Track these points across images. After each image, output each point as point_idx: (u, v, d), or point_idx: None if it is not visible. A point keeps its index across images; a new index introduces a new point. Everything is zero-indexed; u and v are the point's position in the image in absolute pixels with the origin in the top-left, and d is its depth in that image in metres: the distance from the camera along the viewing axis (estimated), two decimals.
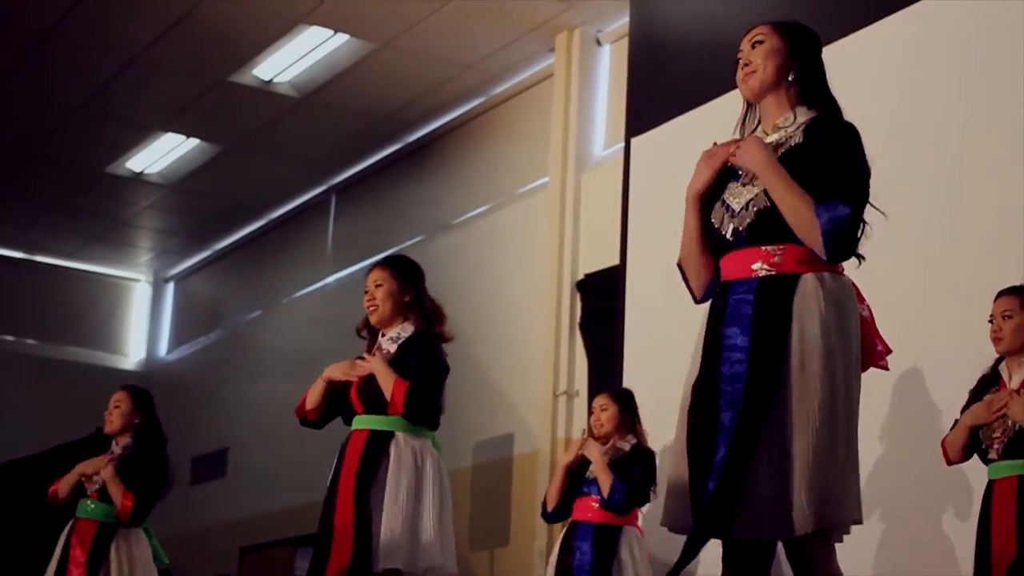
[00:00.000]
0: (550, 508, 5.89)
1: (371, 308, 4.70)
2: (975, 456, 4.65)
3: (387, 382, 4.54)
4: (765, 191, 3.15)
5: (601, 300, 8.24)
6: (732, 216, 3.19)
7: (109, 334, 14.36)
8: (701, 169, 3.28)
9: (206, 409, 13.01)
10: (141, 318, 14.52)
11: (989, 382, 4.67)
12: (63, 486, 5.85)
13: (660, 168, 7.22)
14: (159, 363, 14.34)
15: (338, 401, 4.72)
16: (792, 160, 3.16)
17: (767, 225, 3.13)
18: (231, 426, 12.58)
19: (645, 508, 5.89)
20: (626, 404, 5.89)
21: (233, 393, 12.81)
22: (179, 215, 12.79)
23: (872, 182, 3.17)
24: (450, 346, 4.75)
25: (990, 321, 4.66)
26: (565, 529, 5.87)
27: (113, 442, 5.89)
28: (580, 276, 8.68)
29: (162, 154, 11.33)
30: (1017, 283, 4.73)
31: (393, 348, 4.66)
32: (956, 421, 4.70)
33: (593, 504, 5.73)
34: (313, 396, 4.74)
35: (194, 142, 11.10)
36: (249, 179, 11.81)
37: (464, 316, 7.37)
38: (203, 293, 14.15)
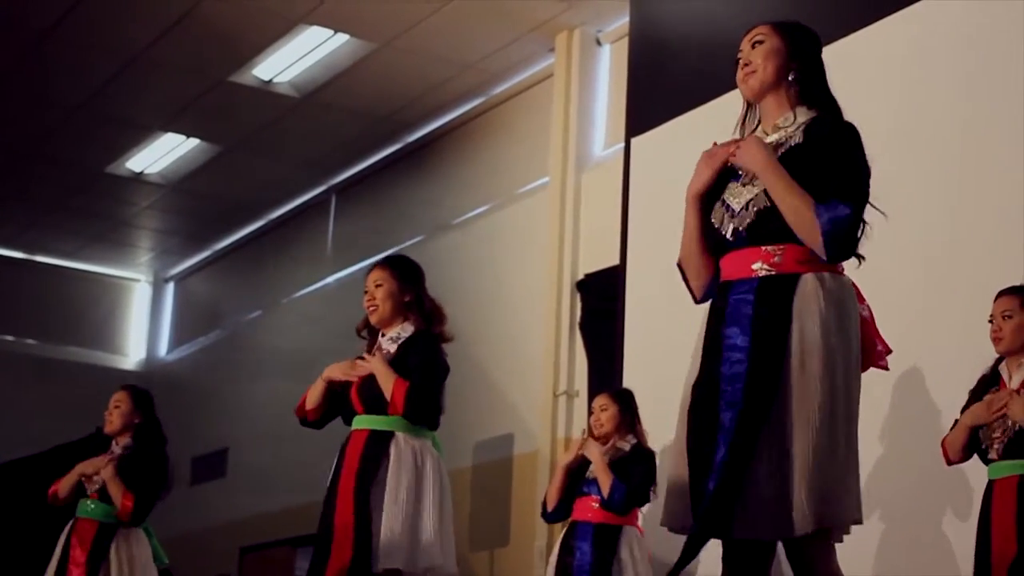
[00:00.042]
0: (550, 508, 5.89)
1: (371, 308, 4.71)
2: (975, 456, 4.65)
3: (387, 382, 4.54)
4: (765, 191, 3.15)
5: (601, 300, 8.24)
6: (732, 216, 3.19)
7: (109, 334, 14.36)
8: (701, 169, 3.28)
9: (206, 409, 13.01)
10: (141, 318, 14.52)
11: (989, 382, 4.67)
12: (63, 486, 5.85)
13: (660, 168, 7.22)
14: (159, 363, 14.34)
15: (338, 401, 4.72)
16: (792, 160, 3.16)
17: (767, 225, 3.13)
18: (231, 426, 12.58)
19: (645, 508, 5.89)
20: (626, 404, 5.89)
21: (233, 393, 12.81)
22: (179, 215, 12.79)
23: (872, 182, 3.17)
24: (450, 346, 4.75)
25: (990, 321, 4.66)
26: (565, 529, 5.87)
27: (113, 442, 5.89)
28: (580, 276, 8.68)
29: (162, 154, 11.33)
30: (1017, 283, 4.73)
31: (393, 348, 4.66)
32: (956, 421, 4.70)
33: (593, 504, 5.73)
34: (313, 396, 4.74)
35: (194, 142, 11.10)
36: (249, 179, 11.81)
37: (464, 316, 7.37)
38: (203, 293, 14.15)
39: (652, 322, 7.13)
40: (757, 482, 2.96)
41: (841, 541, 3.09)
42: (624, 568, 5.63)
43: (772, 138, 3.25)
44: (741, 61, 3.32)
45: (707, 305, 3.29)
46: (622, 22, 8.59)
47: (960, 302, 5.42)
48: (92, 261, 13.99)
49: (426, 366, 4.59)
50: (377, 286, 4.70)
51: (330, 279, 11.84)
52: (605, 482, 5.65)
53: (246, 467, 12.32)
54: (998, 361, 4.69)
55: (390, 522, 4.44)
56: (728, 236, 3.19)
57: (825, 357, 3.02)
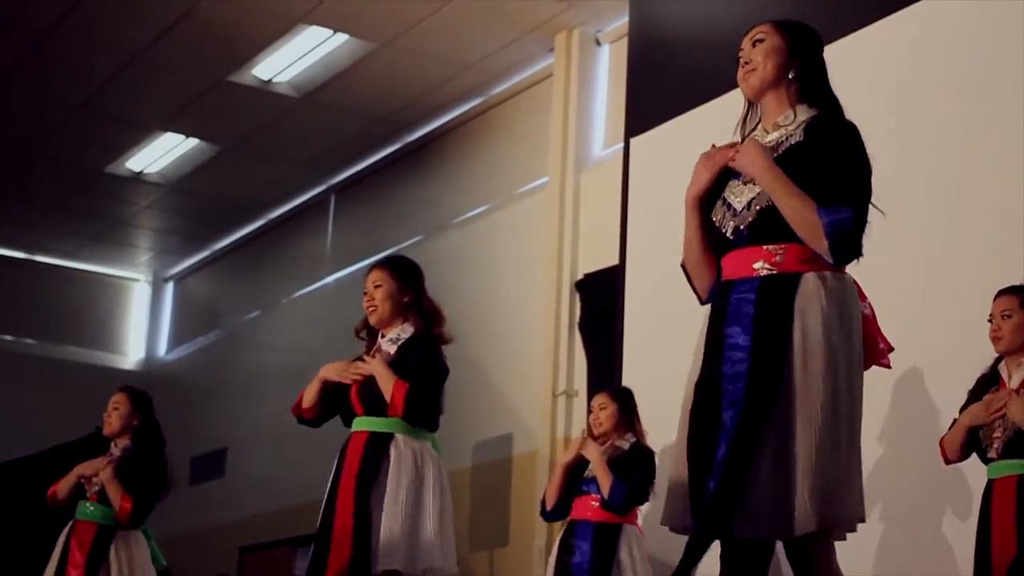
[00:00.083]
0: (549, 507, 5.89)
1: (370, 309, 4.70)
2: (975, 456, 4.66)
3: (387, 384, 4.54)
4: None
5: (600, 300, 8.24)
6: (734, 215, 3.19)
7: (108, 334, 14.36)
8: (699, 172, 3.27)
9: (205, 409, 13.00)
10: (140, 318, 14.51)
11: (988, 382, 4.67)
12: (62, 487, 5.85)
13: (659, 168, 7.22)
14: (158, 363, 14.34)
15: (334, 401, 4.72)
16: (792, 158, 3.16)
17: (769, 224, 3.13)
18: (230, 426, 12.57)
19: (645, 507, 5.89)
20: (625, 403, 5.89)
21: (232, 393, 12.80)
22: (178, 215, 12.79)
23: (873, 181, 3.16)
24: (449, 346, 4.75)
25: (989, 320, 4.66)
26: (564, 528, 5.87)
27: (112, 444, 5.88)
28: (579, 276, 8.67)
29: (161, 154, 11.33)
30: (1017, 283, 4.73)
31: (393, 349, 4.66)
32: (955, 420, 4.70)
33: (593, 503, 5.72)
34: (309, 395, 4.74)
35: (193, 142, 11.10)
36: (248, 179, 11.81)
37: (463, 316, 7.37)
38: (202, 293, 14.14)
39: (651, 322, 7.13)
40: (759, 481, 2.95)
41: (844, 539, 3.09)
42: (623, 567, 5.62)
43: (772, 136, 3.24)
44: (741, 59, 3.32)
45: (708, 305, 3.29)
46: (621, 22, 8.59)
47: (959, 302, 5.41)
48: (91, 261, 13.99)
49: (426, 368, 4.59)
50: (376, 287, 4.70)
51: (329, 279, 11.84)
52: (605, 483, 5.65)
53: (245, 467, 12.32)
54: (997, 360, 4.69)
55: (390, 523, 4.44)
56: (729, 235, 3.19)
57: (827, 356, 3.02)
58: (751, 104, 3.35)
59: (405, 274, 4.75)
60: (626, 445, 5.79)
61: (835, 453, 2.99)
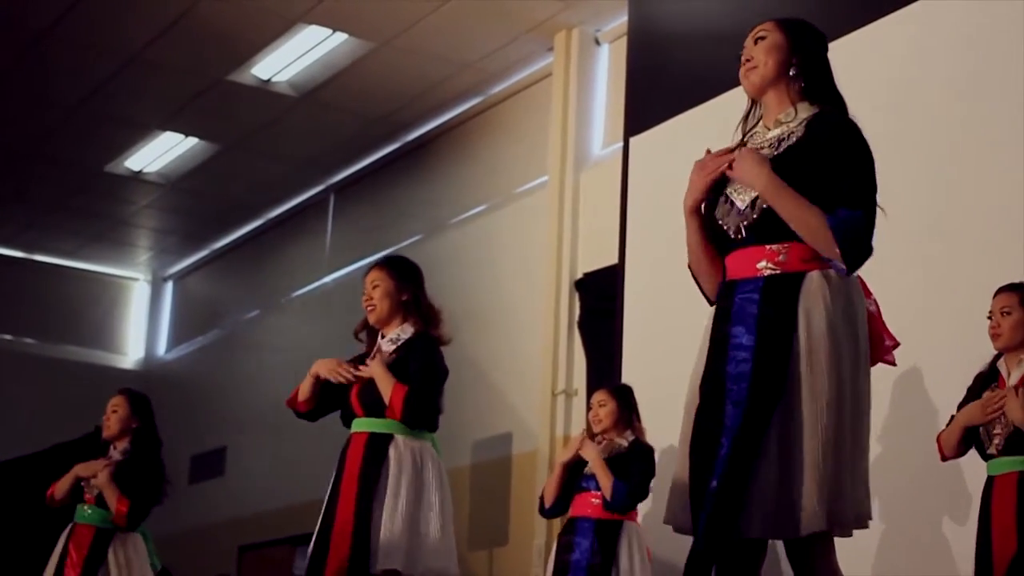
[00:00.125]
0: (547, 505, 5.89)
1: (369, 308, 4.71)
2: (974, 455, 4.66)
3: (386, 387, 4.54)
4: None
5: (600, 299, 8.24)
6: (737, 213, 3.19)
7: (108, 333, 14.36)
8: (694, 182, 3.26)
9: (205, 408, 13.01)
10: (140, 317, 14.52)
11: (987, 378, 4.68)
12: (59, 487, 5.85)
13: (659, 167, 7.22)
14: (158, 362, 14.34)
15: (328, 396, 4.72)
16: (793, 156, 3.15)
17: (771, 223, 3.12)
18: (230, 425, 12.58)
19: (644, 504, 5.89)
20: (625, 400, 5.89)
21: (232, 392, 12.81)
22: (178, 214, 12.79)
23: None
24: (449, 346, 4.75)
25: (989, 318, 4.66)
26: (564, 525, 5.87)
27: (112, 447, 5.88)
28: (579, 275, 8.68)
29: (161, 153, 11.33)
30: (1016, 280, 4.73)
31: (392, 349, 4.66)
32: (952, 417, 4.70)
33: (593, 500, 5.72)
34: (304, 389, 4.76)
35: (193, 141, 11.10)
36: (247, 178, 11.81)
37: (463, 315, 7.38)
38: (202, 292, 14.15)
39: (651, 321, 7.13)
40: (765, 480, 2.95)
41: (850, 535, 3.08)
42: (623, 564, 5.62)
43: (773, 133, 3.24)
44: (743, 57, 3.32)
45: (707, 304, 3.29)
46: (620, 21, 8.60)
47: (958, 301, 5.41)
48: (91, 260, 13.99)
49: (425, 370, 4.59)
50: (374, 286, 4.71)
51: (328, 278, 11.84)
52: (606, 484, 5.64)
53: (245, 466, 12.32)
54: (996, 358, 4.69)
55: (390, 522, 4.44)
56: (732, 234, 3.19)
57: (832, 354, 3.02)
58: (754, 102, 3.35)
59: (403, 273, 4.76)
60: (625, 442, 5.79)
61: (842, 451, 2.98)
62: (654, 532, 5.43)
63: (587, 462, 5.78)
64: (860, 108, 3.31)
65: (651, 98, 7.61)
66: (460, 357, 5.03)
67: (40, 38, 9.42)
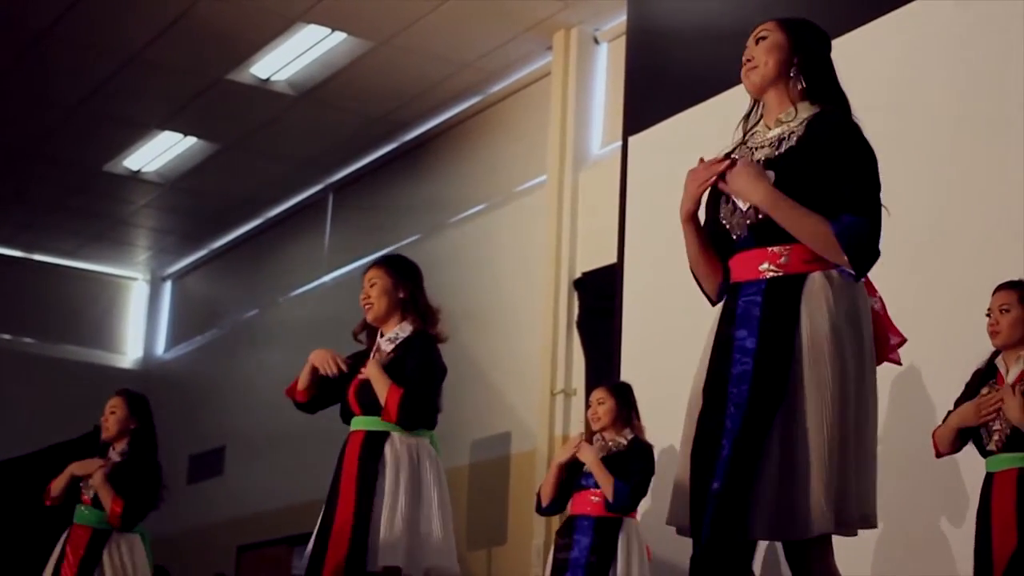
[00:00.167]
0: (544, 503, 5.88)
1: (366, 306, 4.72)
2: (973, 454, 4.66)
3: (382, 389, 4.55)
4: None
5: (599, 298, 8.24)
6: (740, 214, 3.18)
7: (107, 333, 14.37)
8: (690, 188, 3.25)
9: (203, 407, 13.01)
10: (139, 317, 14.52)
11: (985, 375, 4.68)
12: (55, 486, 5.85)
13: (657, 166, 7.22)
14: (156, 361, 14.34)
15: (327, 388, 4.73)
16: (794, 157, 3.14)
17: (773, 225, 3.11)
18: (228, 424, 12.58)
19: (644, 504, 5.89)
20: (623, 398, 5.88)
21: (230, 391, 12.81)
22: (176, 214, 12.79)
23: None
24: (448, 344, 4.76)
25: (987, 315, 4.67)
26: (563, 523, 5.86)
27: (110, 448, 5.88)
28: (578, 274, 8.68)
29: (159, 152, 11.33)
30: (1015, 278, 4.73)
31: (391, 348, 4.66)
32: (948, 413, 4.70)
33: (592, 498, 5.71)
34: (303, 379, 4.78)
35: (191, 140, 11.11)
36: (246, 177, 11.81)
37: (462, 315, 7.38)
38: (200, 291, 14.15)
39: (649, 320, 7.14)
40: (770, 482, 2.94)
41: (855, 534, 3.07)
42: (621, 561, 5.62)
43: (773, 133, 3.23)
44: (745, 57, 3.31)
45: (706, 303, 3.29)
46: (619, 20, 8.60)
47: (957, 300, 5.42)
48: (90, 260, 13.99)
49: (423, 369, 4.59)
50: (372, 284, 4.72)
51: (327, 278, 11.84)
52: (607, 485, 5.62)
53: (243, 465, 12.32)
54: (994, 354, 4.69)
55: (389, 520, 4.44)
56: (734, 236, 3.19)
57: (836, 353, 3.02)
58: (756, 102, 3.34)
59: (401, 271, 4.76)
60: (624, 441, 5.78)
61: (847, 450, 2.98)
62: (654, 531, 5.43)
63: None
64: (859, 107, 3.31)
65: (650, 97, 7.61)
66: (459, 356, 5.03)
67: (40, 38, 9.43)
